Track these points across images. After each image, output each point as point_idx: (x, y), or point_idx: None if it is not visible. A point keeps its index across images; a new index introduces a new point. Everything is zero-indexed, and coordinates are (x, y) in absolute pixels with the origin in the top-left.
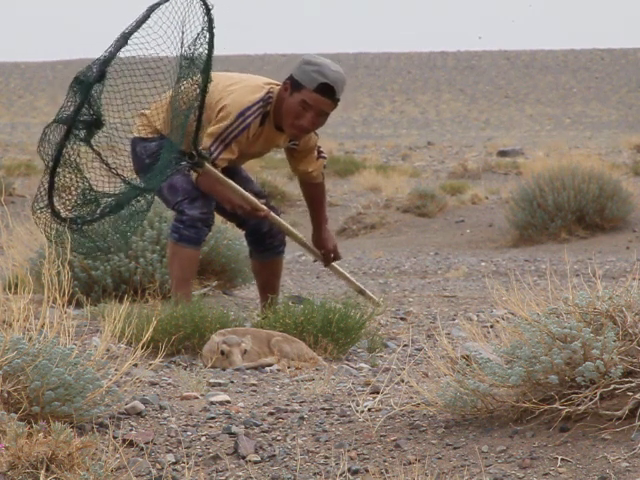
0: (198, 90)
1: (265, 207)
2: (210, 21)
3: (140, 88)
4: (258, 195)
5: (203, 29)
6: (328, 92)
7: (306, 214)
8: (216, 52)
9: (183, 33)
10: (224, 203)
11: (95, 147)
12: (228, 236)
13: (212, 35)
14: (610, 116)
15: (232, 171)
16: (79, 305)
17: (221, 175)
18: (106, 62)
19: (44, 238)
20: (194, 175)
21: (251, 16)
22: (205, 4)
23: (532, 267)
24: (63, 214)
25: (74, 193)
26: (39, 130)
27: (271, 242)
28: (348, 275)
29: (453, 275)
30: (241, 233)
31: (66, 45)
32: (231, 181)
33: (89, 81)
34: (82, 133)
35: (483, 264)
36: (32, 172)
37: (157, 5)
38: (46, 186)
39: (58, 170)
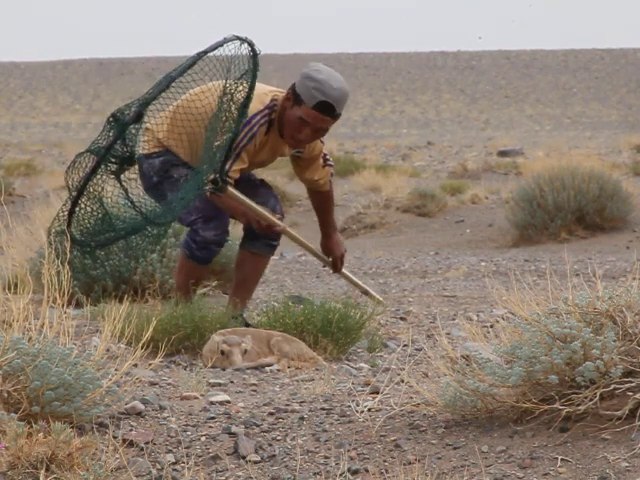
0: (232, 123)
1: (280, 223)
2: (255, 65)
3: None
4: (273, 210)
5: (247, 71)
6: (327, 110)
7: (306, 214)
8: (216, 52)
9: (227, 79)
10: (239, 218)
11: (123, 183)
12: (229, 237)
13: (255, 77)
14: (610, 116)
15: (249, 185)
16: (79, 305)
17: (240, 195)
18: (145, 104)
19: (43, 238)
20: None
21: (251, 16)
22: (253, 49)
23: (532, 267)
24: (78, 238)
25: (92, 222)
26: (39, 130)
27: (267, 235)
28: (356, 279)
29: (453, 275)
30: (241, 234)
31: (66, 45)
32: (248, 200)
33: (124, 120)
34: (114, 166)
35: (483, 264)
36: (32, 172)
37: (204, 53)
38: (66, 212)
39: (81, 199)
